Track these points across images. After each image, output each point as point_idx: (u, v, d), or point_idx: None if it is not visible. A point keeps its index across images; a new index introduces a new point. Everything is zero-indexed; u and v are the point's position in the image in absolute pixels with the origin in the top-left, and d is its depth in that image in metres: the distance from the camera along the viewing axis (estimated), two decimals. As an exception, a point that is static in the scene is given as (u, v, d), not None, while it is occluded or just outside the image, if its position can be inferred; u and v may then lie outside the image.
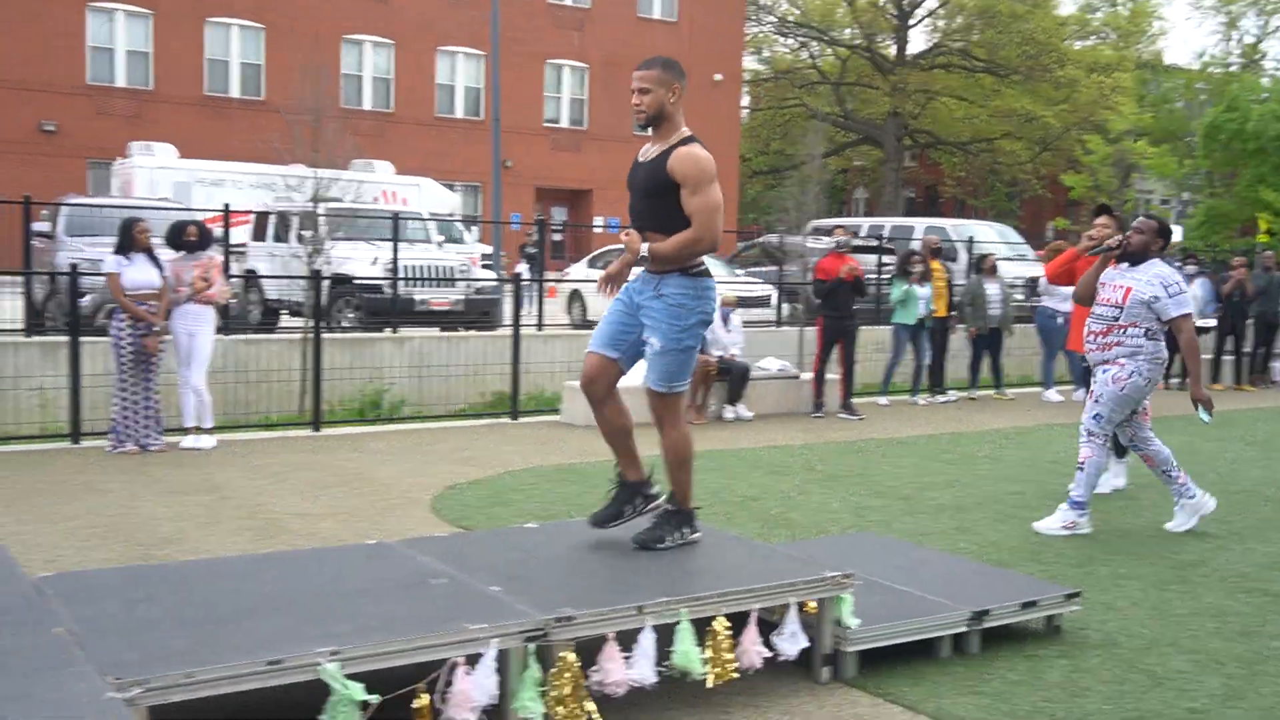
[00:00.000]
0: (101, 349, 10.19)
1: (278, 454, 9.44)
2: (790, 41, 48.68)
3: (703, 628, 4.20)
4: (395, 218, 16.07)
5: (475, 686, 3.71)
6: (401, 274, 15.72)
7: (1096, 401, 6.96)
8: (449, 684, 3.70)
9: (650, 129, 4.77)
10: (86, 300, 12.65)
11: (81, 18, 29.93)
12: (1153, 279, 6.83)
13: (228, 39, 31.92)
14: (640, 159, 4.84)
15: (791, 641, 4.42)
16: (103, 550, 6.35)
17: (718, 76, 38.59)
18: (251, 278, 17.44)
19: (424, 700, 3.67)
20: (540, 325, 16.55)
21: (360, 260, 16.03)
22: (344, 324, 15.70)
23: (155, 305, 9.22)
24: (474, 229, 26.78)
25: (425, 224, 18.81)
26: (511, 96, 30.23)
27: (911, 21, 45.39)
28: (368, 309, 15.75)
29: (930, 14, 45.81)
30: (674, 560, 4.75)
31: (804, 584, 4.47)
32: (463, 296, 16.62)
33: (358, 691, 3.49)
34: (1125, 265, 6.97)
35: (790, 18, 47.02)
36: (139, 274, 9.22)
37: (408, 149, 30.55)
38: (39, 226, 16.18)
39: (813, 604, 4.51)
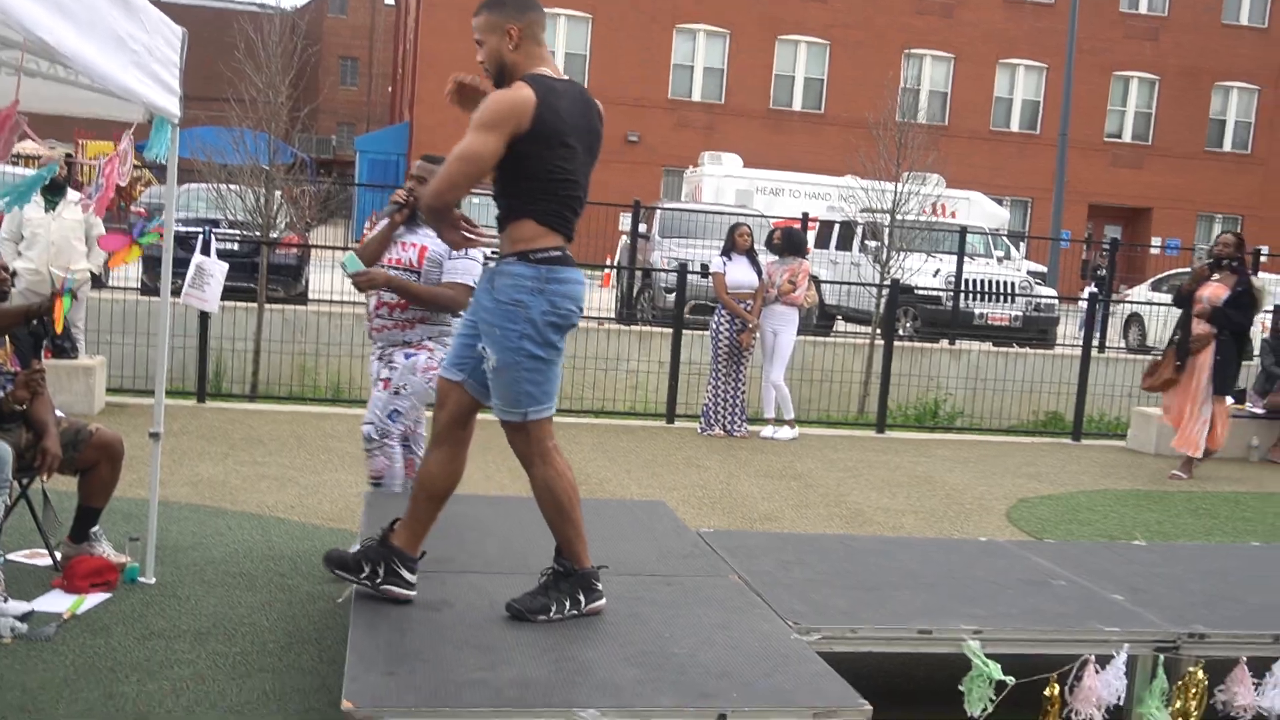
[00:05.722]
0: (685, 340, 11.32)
1: (849, 451, 9.99)
2: None
3: (1342, 667, 4.09)
4: (963, 231, 16.29)
5: (1104, 686, 3.89)
6: (964, 287, 15.92)
7: (397, 394, 5.18)
8: (1078, 679, 3.90)
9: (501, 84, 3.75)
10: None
11: (669, 38, 32.81)
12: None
13: (795, 55, 33.60)
14: None
15: None
16: (714, 517, 7.14)
17: (1317, 85, 35.19)
18: (813, 282, 18.37)
19: (1054, 690, 3.91)
20: (1103, 347, 16.05)
21: (923, 272, 16.41)
22: (901, 333, 16.15)
23: (751, 304, 10.09)
24: (1021, 245, 26.29)
25: (986, 238, 18.86)
26: (1073, 109, 29.28)
27: None
28: (926, 320, 16.09)
29: None
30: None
31: None
32: (1021, 313, 16.51)
33: (996, 671, 3.79)
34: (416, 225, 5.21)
35: None
36: (739, 274, 10.13)
37: (960, 162, 30.40)
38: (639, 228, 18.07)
39: None
